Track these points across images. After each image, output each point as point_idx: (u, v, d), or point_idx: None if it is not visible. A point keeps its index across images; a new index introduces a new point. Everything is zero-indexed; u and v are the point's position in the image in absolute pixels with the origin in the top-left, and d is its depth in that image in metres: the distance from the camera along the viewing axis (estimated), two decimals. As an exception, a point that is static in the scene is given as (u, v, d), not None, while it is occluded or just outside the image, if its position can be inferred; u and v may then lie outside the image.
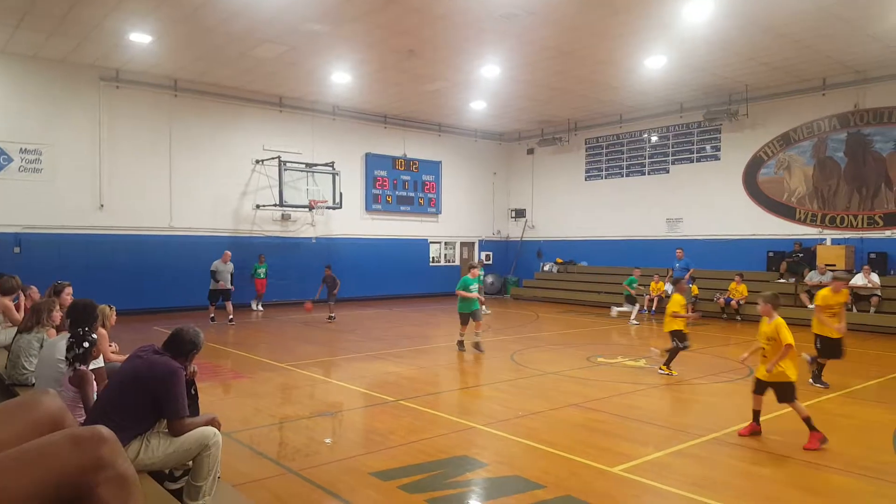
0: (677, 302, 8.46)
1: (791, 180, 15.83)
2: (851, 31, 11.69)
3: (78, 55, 13.52)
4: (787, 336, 5.49)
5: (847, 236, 14.83)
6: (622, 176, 19.57)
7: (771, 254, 15.94)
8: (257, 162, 17.00)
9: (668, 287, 16.01)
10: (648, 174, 18.88)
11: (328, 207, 17.59)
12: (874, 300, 13.22)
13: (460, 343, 10.28)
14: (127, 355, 3.97)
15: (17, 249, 13.54)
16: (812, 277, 14.20)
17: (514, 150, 22.86)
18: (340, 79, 15.22)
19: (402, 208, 20.25)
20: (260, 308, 16.29)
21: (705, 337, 12.50)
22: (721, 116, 16.34)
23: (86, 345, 3.82)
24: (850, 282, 13.70)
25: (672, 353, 8.42)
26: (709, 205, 17.28)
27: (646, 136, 18.89)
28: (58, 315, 5.34)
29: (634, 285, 14.81)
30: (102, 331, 5.19)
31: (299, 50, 12.95)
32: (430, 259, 21.27)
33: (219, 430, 3.58)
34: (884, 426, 6.11)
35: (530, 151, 22.13)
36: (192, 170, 15.93)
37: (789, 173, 15.86)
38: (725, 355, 10.12)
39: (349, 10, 10.76)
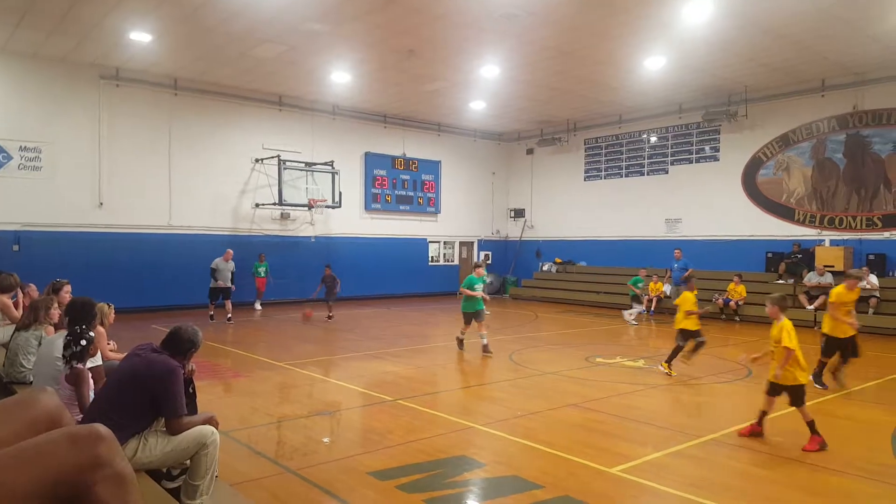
0: (689, 300, 8.45)
1: (790, 181, 15.84)
2: (851, 32, 11.70)
3: (78, 54, 13.51)
4: (787, 340, 5.44)
5: (846, 237, 14.84)
6: (621, 176, 19.58)
7: (770, 255, 15.95)
8: (257, 161, 16.99)
9: (667, 287, 16.06)
10: (647, 174, 18.89)
11: (327, 206, 17.58)
12: (873, 301, 13.23)
13: (460, 341, 10.23)
14: (125, 353, 3.96)
15: (16, 247, 13.53)
16: (811, 278, 14.21)
17: (514, 150, 22.86)
18: (340, 78, 15.21)
19: (402, 208, 20.25)
20: (258, 307, 16.27)
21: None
22: (720, 117, 16.35)
23: (83, 343, 3.81)
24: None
25: (675, 352, 8.43)
26: (708, 205, 17.30)
27: (645, 136, 18.90)
28: (56, 313, 5.33)
29: (640, 285, 14.76)
30: (101, 329, 5.18)
31: (299, 49, 12.94)
32: (430, 258, 21.27)
33: (217, 428, 3.58)
34: (882, 427, 6.12)
35: (530, 151, 22.14)
36: (192, 168, 15.92)
37: (788, 174, 15.87)
38: (724, 356, 10.13)
39: (349, 10, 10.75)
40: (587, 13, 10.80)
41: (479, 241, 22.60)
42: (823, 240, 15.15)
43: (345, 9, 10.69)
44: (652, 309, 16.16)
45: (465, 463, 4.94)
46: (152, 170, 15.35)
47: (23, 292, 7.35)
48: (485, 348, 9.73)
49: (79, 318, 4.22)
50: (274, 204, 16.75)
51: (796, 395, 5.50)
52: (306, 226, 18.13)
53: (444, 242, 21.69)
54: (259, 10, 10.73)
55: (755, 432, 5.62)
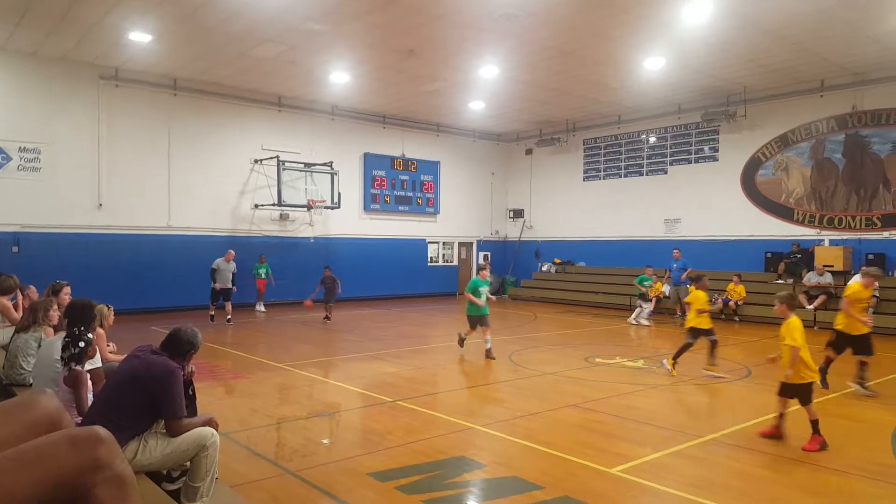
0: (701, 298, 8.45)
1: (789, 181, 15.86)
2: (850, 33, 11.71)
3: (77, 53, 13.50)
4: (790, 337, 5.41)
5: (845, 237, 14.86)
6: (620, 176, 19.59)
7: (769, 254, 15.96)
8: (256, 161, 16.99)
9: (667, 288, 16.05)
10: (646, 175, 18.90)
11: (326, 207, 17.58)
12: (872, 301, 13.21)
13: (461, 340, 10.18)
14: (125, 355, 3.96)
15: (15, 248, 13.52)
16: (810, 278, 14.23)
17: (513, 150, 22.87)
18: (339, 78, 15.21)
19: (401, 208, 20.25)
20: (262, 308, 16.20)
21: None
22: (719, 118, 16.36)
23: (81, 344, 3.81)
24: (848, 283, 13.74)
25: (682, 349, 8.43)
26: (707, 205, 17.31)
27: (644, 136, 18.91)
28: (55, 314, 5.32)
29: (647, 284, 14.73)
30: (100, 331, 5.17)
31: (298, 49, 12.95)
32: (429, 259, 21.27)
33: (216, 430, 3.57)
34: (882, 427, 6.12)
35: (529, 152, 22.14)
36: (191, 169, 15.92)
37: (787, 174, 15.89)
38: (723, 356, 10.11)
39: (348, 10, 10.75)
40: (587, 13, 10.81)
41: (479, 241, 22.60)
42: (823, 240, 15.16)
43: (344, 9, 10.69)
44: (651, 309, 16.15)
45: (465, 464, 4.94)
46: (152, 170, 15.34)
47: (22, 294, 7.34)
48: (488, 353, 9.58)
49: (78, 319, 4.21)
50: (273, 205, 16.74)
51: (803, 394, 5.45)
52: (305, 226, 18.13)
53: (444, 243, 21.69)
54: (258, 9, 10.73)
55: (774, 434, 5.54)
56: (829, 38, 12.04)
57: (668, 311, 15.45)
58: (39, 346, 4.96)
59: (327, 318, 14.09)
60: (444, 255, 21.76)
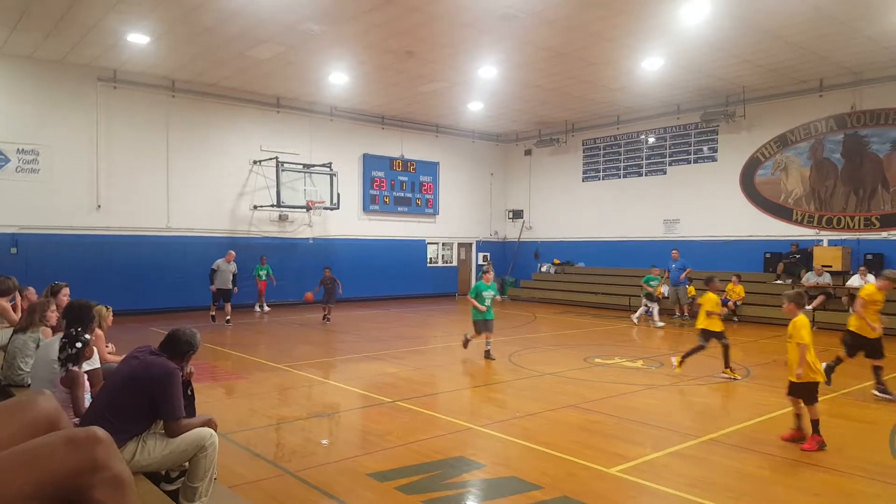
0: (711, 300, 8.41)
1: (788, 181, 15.87)
2: (849, 32, 11.73)
3: (75, 55, 13.50)
4: (798, 336, 5.35)
5: (844, 237, 14.87)
6: (619, 177, 19.60)
7: (768, 255, 15.97)
8: (255, 162, 16.98)
9: (665, 289, 16.06)
10: (646, 175, 18.92)
11: (325, 208, 17.58)
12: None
13: (466, 342, 9.91)
14: (123, 356, 3.96)
15: (14, 250, 13.51)
16: (809, 278, 14.24)
17: (512, 150, 22.88)
18: (338, 79, 15.22)
19: (400, 209, 20.25)
20: (263, 309, 16.12)
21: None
22: (718, 118, 16.38)
23: (78, 345, 3.80)
24: (847, 283, 13.77)
25: (694, 350, 8.39)
26: (706, 206, 17.32)
27: (643, 137, 18.92)
28: (52, 315, 5.32)
29: (653, 283, 14.64)
30: (99, 332, 5.17)
31: (297, 50, 12.95)
32: (428, 260, 21.27)
33: (215, 431, 3.57)
34: (881, 427, 6.13)
35: (528, 152, 22.15)
36: (190, 170, 15.91)
37: (786, 174, 15.90)
38: (721, 356, 10.12)
39: (346, 10, 10.76)
40: (585, 14, 10.82)
41: (478, 242, 22.61)
42: (821, 240, 15.17)
43: (342, 9, 10.70)
44: (650, 309, 16.15)
45: (464, 464, 4.94)
46: (150, 172, 15.34)
47: (21, 296, 7.33)
48: (487, 353, 9.55)
49: (76, 320, 4.21)
50: (272, 206, 16.74)
51: (807, 393, 5.41)
52: (304, 227, 18.13)
53: (443, 244, 21.69)
54: (256, 10, 10.74)
55: (795, 437, 5.46)
56: (828, 38, 12.06)
57: (666, 311, 15.44)
58: (38, 346, 4.96)
59: (327, 318, 14.09)
60: (443, 255, 21.76)
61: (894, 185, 14.17)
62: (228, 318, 13.40)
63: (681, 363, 8.50)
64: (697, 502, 4.22)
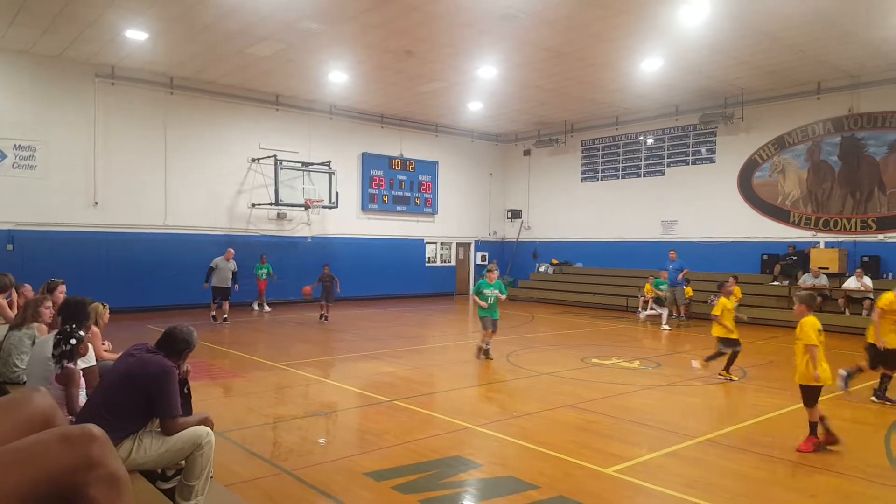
0: (721, 305, 8.36)
1: (785, 183, 15.91)
2: (847, 36, 11.76)
3: (73, 51, 13.45)
4: (804, 336, 5.31)
5: (840, 240, 14.91)
6: (618, 178, 19.62)
7: (765, 256, 16.01)
8: (253, 160, 16.95)
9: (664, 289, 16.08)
10: (644, 176, 18.94)
11: (324, 207, 17.55)
12: (867, 303, 13.28)
13: (481, 351, 9.50)
14: (120, 354, 3.94)
15: (10, 246, 13.47)
16: (805, 280, 14.27)
17: (511, 150, 22.89)
18: (337, 78, 15.20)
19: (399, 208, 20.24)
20: (263, 308, 16.03)
21: (699, 339, 12.54)
22: (716, 119, 16.41)
23: (73, 342, 3.79)
24: (843, 285, 13.81)
25: (716, 355, 8.34)
26: (704, 207, 17.35)
27: (642, 138, 18.94)
28: (46, 311, 5.30)
29: (662, 287, 14.54)
30: (95, 329, 5.16)
31: (296, 48, 12.93)
32: (426, 259, 21.26)
33: (212, 429, 3.56)
34: (876, 429, 6.14)
35: (527, 152, 22.16)
36: (188, 168, 15.88)
37: (784, 176, 15.94)
38: (719, 357, 10.14)
39: (346, 9, 10.74)
40: (584, 15, 10.82)
41: (476, 242, 22.61)
42: (818, 242, 15.21)
43: (342, 7, 10.68)
44: (639, 310, 16.20)
45: (461, 463, 4.94)
46: (148, 169, 15.30)
47: (18, 293, 7.30)
48: (486, 352, 9.49)
49: (71, 317, 4.20)
50: (270, 204, 16.71)
51: (810, 395, 5.38)
52: (303, 226, 18.10)
53: (441, 243, 21.68)
54: (255, 7, 10.71)
55: (830, 441, 5.34)
56: (826, 41, 12.09)
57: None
58: (33, 343, 4.94)
59: (325, 317, 14.06)
60: (441, 255, 21.76)
61: (891, 188, 14.22)
62: (226, 316, 13.36)
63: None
64: (694, 503, 4.22)
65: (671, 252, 15.60)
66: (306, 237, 18.14)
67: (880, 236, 14.37)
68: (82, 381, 3.95)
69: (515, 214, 22.67)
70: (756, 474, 4.85)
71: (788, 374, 8.58)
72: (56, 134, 14.01)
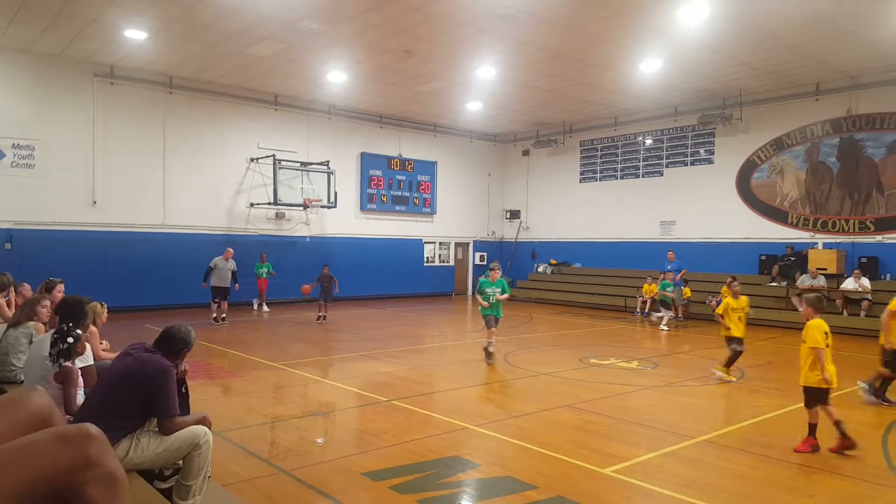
0: (728, 304, 8.33)
1: (784, 185, 15.93)
2: (845, 37, 11.77)
3: (73, 50, 13.44)
4: (812, 339, 5.27)
5: (838, 241, 14.93)
6: (616, 178, 19.64)
7: (763, 257, 16.03)
8: (252, 160, 16.94)
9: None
10: (643, 177, 18.96)
11: (323, 206, 17.55)
12: (864, 304, 13.32)
13: (488, 353, 9.31)
14: (117, 353, 3.94)
15: (8, 245, 13.45)
16: (803, 281, 14.29)
17: (510, 151, 22.90)
18: (336, 78, 15.19)
19: (397, 208, 20.24)
20: (263, 309, 15.99)
21: (697, 339, 12.56)
22: (715, 120, 16.43)
23: (70, 340, 3.78)
24: (841, 286, 13.83)
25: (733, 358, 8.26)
26: (702, 208, 17.37)
27: (640, 138, 18.96)
28: (43, 310, 5.29)
29: (669, 289, 14.42)
30: (93, 328, 5.15)
31: (295, 48, 12.92)
32: (425, 259, 21.26)
33: (210, 429, 3.56)
34: (874, 429, 6.15)
35: (525, 153, 22.17)
36: (187, 167, 15.86)
37: (782, 178, 15.96)
38: (717, 357, 10.15)
39: (345, 9, 10.74)
40: (584, 15, 10.83)
41: (475, 242, 22.62)
42: (816, 243, 15.23)
43: (341, 7, 10.68)
44: (646, 311, 16.22)
45: (459, 463, 4.94)
46: (147, 168, 15.29)
47: (16, 292, 7.29)
48: (489, 354, 9.29)
49: (69, 316, 4.19)
50: (269, 203, 16.70)
51: (812, 397, 5.37)
52: (301, 226, 18.10)
53: (440, 243, 21.69)
54: (255, 7, 10.71)
55: (846, 446, 5.26)
56: (824, 42, 12.11)
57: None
58: (30, 342, 4.94)
59: (323, 317, 14.05)
60: (440, 255, 21.76)
61: (889, 189, 14.24)
62: (224, 315, 13.35)
63: (727, 371, 8.23)
64: (692, 503, 4.23)
65: (669, 253, 15.61)
66: (305, 237, 18.14)
67: (878, 237, 14.39)
68: (80, 380, 3.94)
69: (514, 215, 22.68)
70: (754, 475, 4.86)
71: (786, 374, 8.62)
72: (55, 133, 13.99)
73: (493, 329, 9.43)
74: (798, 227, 15.66)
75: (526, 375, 8.55)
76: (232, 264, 13.34)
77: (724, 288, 14.84)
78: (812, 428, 5.35)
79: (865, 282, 13.59)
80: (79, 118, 14.29)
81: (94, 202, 14.58)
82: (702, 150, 17.55)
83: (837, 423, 5.29)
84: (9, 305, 6.83)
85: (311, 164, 17.36)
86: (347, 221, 18.99)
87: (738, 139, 16.65)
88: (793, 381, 8.14)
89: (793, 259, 15.19)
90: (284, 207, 17.17)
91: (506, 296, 9.56)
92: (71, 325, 3.97)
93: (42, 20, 11.58)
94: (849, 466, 5.03)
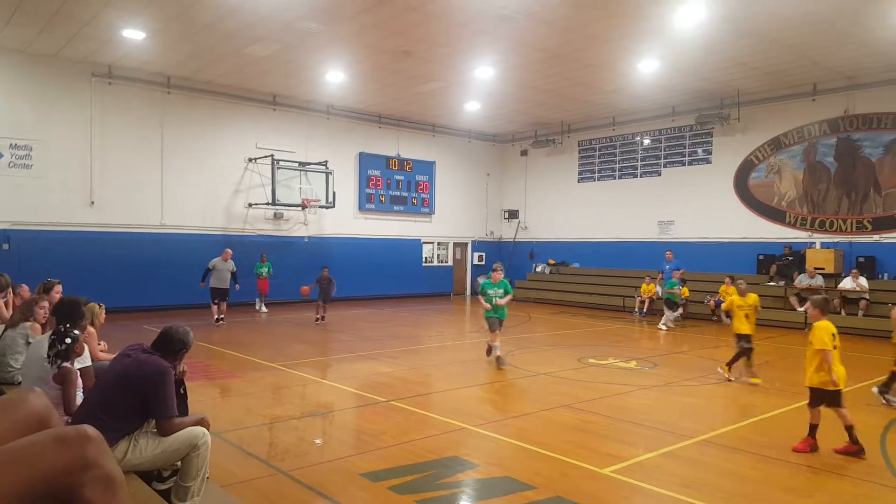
0: (733, 302, 8.32)
1: (781, 184, 15.96)
2: (843, 37, 11.80)
3: (70, 50, 13.41)
4: (819, 341, 5.24)
5: (836, 240, 14.97)
6: (615, 178, 19.66)
7: (761, 257, 16.06)
8: (250, 160, 16.93)
9: (659, 289, 16.12)
10: (641, 177, 18.98)
11: (321, 206, 17.53)
12: (862, 304, 13.35)
13: (497, 357, 9.00)
14: (116, 354, 3.94)
15: (5, 246, 13.42)
16: (801, 280, 14.33)
17: (508, 151, 22.91)
18: (334, 78, 15.19)
19: (396, 208, 20.24)
20: (263, 310, 15.90)
21: (695, 339, 12.58)
22: (713, 120, 16.46)
23: (67, 341, 3.78)
24: (839, 285, 13.86)
25: (748, 355, 8.21)
26: (700, 208, 17.39)
27: (638, 138, 18.98)
28: (41, 311, 5.28)
29: (676, 287, 14.28)
30: (91, 329, 5.14)
31: (293, 48, 12.91)
32: (423, 259, 21.26)
33: (208, 429, 3.56)
34: (871, 429, 6.16)
35: (524, 153, 22.18)
36: (184, 168, 15.84)
37: (780, 177, 15.99)
38: (715, 357, 10.18)
39: (343, 9, 10.73)
40: (581, 16, 10.84)
41: (473, 242, 22.62)
42: (814, 242, 15.27)
43: (339, 7, 10.68)
44: (644, 311, 16.24)
45: (458, 464, 4.94)
46: (144, 169, 15.26)
47: (14, 293, 7.27)
48: (498, 358, 8.99)
49: (66, 317, 4.19)
50: (267, 204, 16.69)
51: (816, 397, 5.37)
52: (300, 226, 18.08)
53: (438, 243, 21.69)
54: (253, 7, 10.70)
55: (853, 451, 5.24)
56: (821, 42, 12.13)
57: (660, 312, 15.49)
58: (27, 343, 4.92)
59: (322, 318, 14.03)
60: (438, 255, 21.76)
61: (886, 189, 14.28)
62: (222, 316, 13.32)
63: (753, 375, 8.16)
64: (690, 503, 4.23)
65: (668, 252, 15.64)
66: (303, 237, 18.13)
67: (876, 237, 14.43)
68: (79, 380, 3.94)
69: (512, 214, 22.69)
70: (752, 474, 4.87)
71: (785, 374, 8.64)
72: (52, 133, 13.96)
73: (498, 332, 9.14)
74: (796, 226, 15.69)
75: (524, 375, 8.55)
76: (231, 265, 13.31)
77: (723, 287, 14.97)
78: (812, 428, 5.36)
79: (863, 281, 13.62)
80: (76, 118, 14.26)
81: (92, 202, 14.55)
82: (699, 150, 17.58)
83: (849, 428, 5.27)
84: (7, 307, 6.81)
85: (309, 164, 17.35)
86: (346, 221, 18.99)
87: (736, 139, 16.68)
88: (791, 380, 8.18)
89: (790, 259, 15.22)
90: (283, 208, 17.16)
91: (508, 297, 9.30)
92: (68, 325, 3.96)
93: (39, 20, 11.55)
94: (847, 466, 5.04)
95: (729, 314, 8.32)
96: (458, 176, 21.83)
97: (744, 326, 8.19)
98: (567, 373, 8.72)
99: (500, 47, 12.66)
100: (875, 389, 7.25)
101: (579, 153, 20.54)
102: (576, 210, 20.51)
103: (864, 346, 11.46)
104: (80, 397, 3.91)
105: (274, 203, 16.52)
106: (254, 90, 16.63)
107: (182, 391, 3.95)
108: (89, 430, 1.53)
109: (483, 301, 9.21)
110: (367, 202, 19.47)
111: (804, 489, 4.62)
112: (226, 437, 5.43)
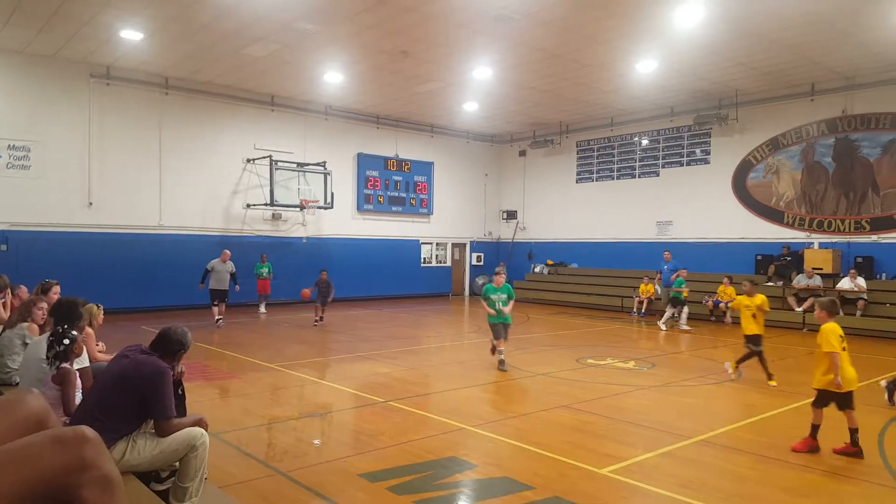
0: (740, 302, 8.31)
1: (780, 184, 15.99)
2: (841, 37, 11.83)
3: (68, 51, 13.40)
4: (827, 344, 5.22)
5: (834, 240, 14.99)
6: (613, 179, 19.68)
7: (759, 257, 16.09)
8: (248, 161, 16.92)
9: (658, 289, 16.14)
10: (639, 177, 19.00)
11: (319, 207, 17.53)
12: (860, 304, 13.37)
13: (500, 361, 8.81)
14: (114, 355, 3.93)
15: (3, 247, 13.40)
16: (799, 281, 14.35)
17: (506, 151, 22.92)
18: (333, 78, 15.19)
19: (394, 209, 20.24)
20: (262, 310, 15.83)
21: (694, 339, 12.60)
22: (711, 120, 16.48)
23: (66, 342, 3.78)
24: (837, 286, 13.89)
25: (749, 357, 8.18)
26: (698, 208, 17.42)
27: (636, 139, 19.00)
28: (39, 312, 5.27)
29: (683, 286, 14.04)
30: (89, 330, 5.14)
31: (291, 48, 12.91)
32: (422, 260, 21.26)
33: (206, 430, 3.56)
34: (870, 429, 6.17)
35: (522, 153, 22.20)
36: (183, 168, 15.83)
37: (778, 178, 16.01)
38: (714, 357, 10.20)
39: (341, 9, 10.74)
40: (579, 16, 10.85)
41: (472, 242, 22.62)
42: (812, 242, 15.29)
43: (337, 8, 10.68)
44: (643, 311, 16.25)
45: (456, 464, 4.94)
46: (143, 169, 15.25)
47: (13, 294, 7.26)
48: (501, 361, 8.82)
49: (64, 318, 4.18)
50: (265, 204, 16.68)
51: (822, 398, 5.36)
52: (298, 226, 18.08)
53: (437, 244, 21.69)
54: (252, 8, 10.70)
55: (851, 453, 5.22)
56: (820, 42, 12.16)
57: (659, 312, 15.52)
58: (25, 344, 4.92)
59: (320, 319, 14.01)
60: (437, 255, 21.76)
61: (884, 189, 14.31)
62: (221, 317, 13.29)
63: (769, 379, 8.07)
64: (688, 502, 4.24)
65: (666, 253, 15.65)
66: (302, 238, 18.12)
67: (874, 237, 14.46)
68: (78, 381, 3.93)
69: (511, 215, 22.70)
70: (751, 474, 4.87)
71: (784, 374, 8.64)
72: (51, 134, 13.94)
73: (503, 339, 8.85)
74: (794, 226, 15.72)
75: (523, 376, 8.55)
76: (230, 266, 13.29)
77: (721, 287, 15.00)
78: (814, 429, 5.35)
79: (861, 281, 13.65)
80: (75, 119, 14.25)
81: (91, 203, 14.53)
82: (698, 151, 17.60)
83: (854, 431, 5.27)
84: (6, 308, 6.81)
85: (307, 164, 17.35)
86: (344, 222, 18.98)
87: (734, 139, 16.70)
88: (790, 380, 8.19)
89: (789, 259, 15.24)
90: (281, 208, 17.15)
91: (511, 303, 8.95)
92: (66, 326, 3.96)
93: (37, 21, 11.54)
94: (846, 467, 5.04)
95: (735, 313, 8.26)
96: (457, 176, 21.83)
97: (751, 327, 8.14)
98: (565, 373, 8.73)
99: (499, 47, 12.67)
100: (884, 383, 7.23)
101: (577, 153, 20.55)
102: (574, 210, 20.52)
103: (862, 347, 11.48)
104: (78, 398, 3.90)
105: (272, 204, 16.51)
106: (252, 91, 16.63)
107: (180, 392, 3.95)
108: (87, 430, 1.53)
109: (486, 306, 8.92)
110: (365, 203, 19.47)
111: (802, 489, 4.62)
112: (224, 438, 5.43)
